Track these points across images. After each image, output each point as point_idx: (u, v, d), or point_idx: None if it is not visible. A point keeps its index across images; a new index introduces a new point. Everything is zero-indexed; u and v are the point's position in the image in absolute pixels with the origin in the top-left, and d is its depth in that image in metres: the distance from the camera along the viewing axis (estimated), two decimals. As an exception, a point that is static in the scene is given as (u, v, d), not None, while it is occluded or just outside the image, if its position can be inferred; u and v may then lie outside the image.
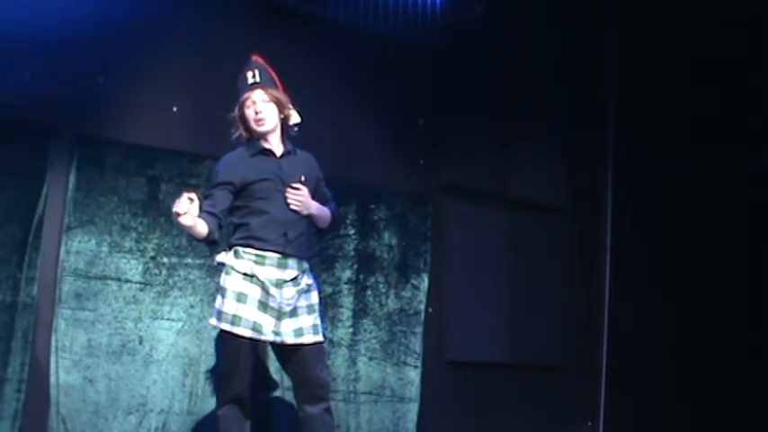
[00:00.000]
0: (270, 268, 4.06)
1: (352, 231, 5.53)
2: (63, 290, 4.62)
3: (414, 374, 5.65)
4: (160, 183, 4.90)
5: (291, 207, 4.13)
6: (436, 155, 5.94)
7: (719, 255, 6.79)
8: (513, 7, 6.26)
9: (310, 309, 4.16)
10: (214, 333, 4.95)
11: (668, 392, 6.45)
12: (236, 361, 4.03)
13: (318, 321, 4.20)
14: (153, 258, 4.86)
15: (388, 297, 5.61)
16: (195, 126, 5.03)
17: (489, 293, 6.09)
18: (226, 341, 4.10)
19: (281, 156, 4.23)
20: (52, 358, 4.57)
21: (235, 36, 5.17)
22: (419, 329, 5.70)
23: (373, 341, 5.53)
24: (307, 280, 4.17)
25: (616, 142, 6.66)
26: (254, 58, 4.31)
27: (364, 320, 5.51)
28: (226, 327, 4.02)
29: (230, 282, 4.06)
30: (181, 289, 4.92)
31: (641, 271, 6.57)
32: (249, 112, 4.19)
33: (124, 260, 4.79)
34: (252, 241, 4.07)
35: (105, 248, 4.73)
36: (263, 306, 4.02)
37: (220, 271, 4.14)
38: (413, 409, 5.64)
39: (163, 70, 4.99)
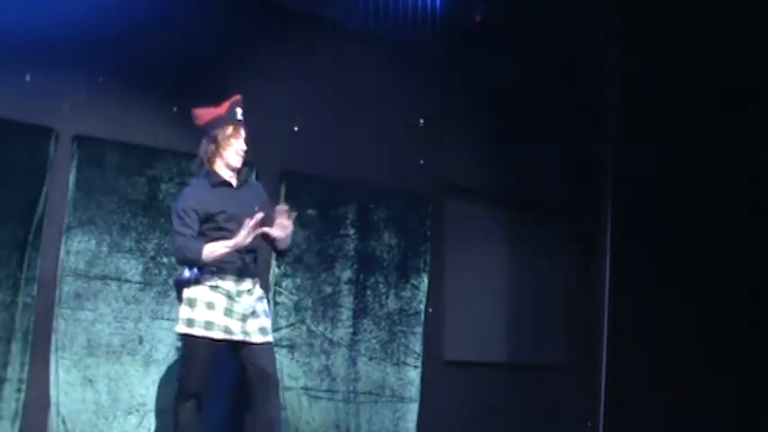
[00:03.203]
0: (229, 282, 4.26)
1: (352, 231, 5.52)
2: (63, 290, 4.62)
3: (413, 374, 5.65)
4: (160, 183, 4.91)
5: (277, 235, 4.30)
6: (436, 155, 5.94)
7: (719, 254, 6.77)
8: (512, 7, 6.26)
9: (266, 313, 4.41)
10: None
11: (668, 392, 6.44)
12: (201, 361, 4.23)
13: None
14: (153, 258, 4.87)
15: (388, 297, 5.61)
16: (195, 126, 5.03)
17: (489, 293, 6.09)
18: (192, 344, 4.23)
19: (237, 187, 4.37)
20: (52, 358, 4.58)
21: (235, 36, 5.17)
22: (419, 329, 5.70)
23: (373, 341, 5.53)
24: (259, 289, 4.39)
25: (616, 142, 6.65)
26: (238, 97, 4.40)
27: (364, 320, 5.51)
28: (200, 332, 4.18)
29: (198, 292, 4.21)
30: (181, 289, 4.92)
31: (641, 271, 6.56)
32: (237, 144, 4.33)
33: (124, 260, 4.79)
34: (212, 268, 4.22)
35: (105, 248, 4.74)
36: (230, 312, 4.24)
37: (182, 286, 4.26)
38: (413, 409, 5.64)
39: (163, 70, 4.99)
